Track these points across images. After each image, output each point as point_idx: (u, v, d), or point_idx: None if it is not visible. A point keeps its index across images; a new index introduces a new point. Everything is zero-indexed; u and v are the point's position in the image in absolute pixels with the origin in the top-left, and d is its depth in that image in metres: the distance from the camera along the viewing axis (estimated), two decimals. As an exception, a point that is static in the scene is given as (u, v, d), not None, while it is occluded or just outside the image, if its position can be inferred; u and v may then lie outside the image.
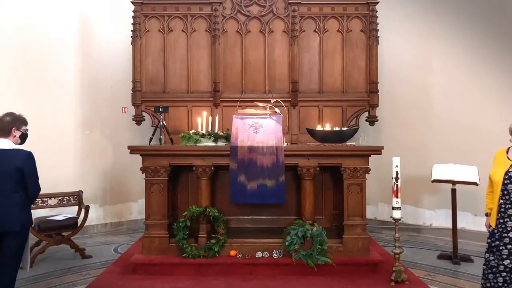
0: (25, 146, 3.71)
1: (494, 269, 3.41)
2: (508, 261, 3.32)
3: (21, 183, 3.49)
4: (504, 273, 3.34)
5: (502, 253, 3.36)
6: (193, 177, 5.12)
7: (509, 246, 3.33)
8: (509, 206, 3.34)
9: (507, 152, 3.47)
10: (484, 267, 3.50)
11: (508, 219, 3.34)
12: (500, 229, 3.39)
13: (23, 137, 3.73)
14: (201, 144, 5.08)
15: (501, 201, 3.38)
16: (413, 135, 6.78)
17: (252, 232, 5.11)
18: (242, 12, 6.60)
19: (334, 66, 6.56)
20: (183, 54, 6.56)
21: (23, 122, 3.74)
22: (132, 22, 6.48)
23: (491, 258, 3.44)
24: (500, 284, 3.35)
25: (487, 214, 3.61)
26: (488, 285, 3.46)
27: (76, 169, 6.71)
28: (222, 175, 5.28)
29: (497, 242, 3.40)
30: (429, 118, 6.69)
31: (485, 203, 3.64)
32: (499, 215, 3.39)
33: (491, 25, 6.23)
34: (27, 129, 3.74)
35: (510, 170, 3.35)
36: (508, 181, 3.33)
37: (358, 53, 6.55)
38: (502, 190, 3.36)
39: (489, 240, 3.48)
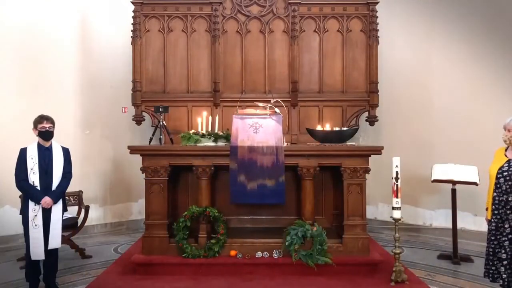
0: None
1: (493, 258, 3.69)
2: (508, 248, 3.58)
3: None
4: (506, 262, 3.59)
5: (500, 241, 3.64)
6: (193, 177, 5.11)
7: (505, 233, 3.60)
8: (502, 198, 3.62)
9: (506, 150, 3.75)
10: (486, 257, 3.77)
11: (501, 210, 3.63)
12: (496, 220, 3.67)
13: (42, 134, 4.21)
14: (201, 144, 5.08)
15: (495, 194, 3.68)
16: (413, 134, 6.78)
17: (252, 232, 5.11)
18: (242, 12, 6.60)
19: (334, 66, 6.56)
20: (183, 54, 6.56)
21: (37, 121, 4.22)
22: (132, 22, 6.48)
23: (491, 248, 3.72)
24: (501, 272, 3.61)
25: (486, 209, 3.88)
26: (490, 274, 3.72)
27: (76, 169, 6.62)
28: (222, 175, 5.28)
29: (494, 232, 3.69)
30: (429, 118, 6.69)
31: (486, 198, 3.90)
32: (494, 206, 3.69)
33: (491, 23, 6.23)
34: (43, 127, 4.18)
35: (504, 165, 3.65)
36: (501, 175, 3.63)
37: (358, 53, 6.55)
38: (495, 184, 3.66)
39: (488, 231, 3.76)
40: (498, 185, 3.65)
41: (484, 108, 6.21)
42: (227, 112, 6.33)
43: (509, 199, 3.57)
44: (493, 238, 3.71)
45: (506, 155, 3.71)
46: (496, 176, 3.66)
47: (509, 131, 3.66)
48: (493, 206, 3.69)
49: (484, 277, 3.83)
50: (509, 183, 3.57)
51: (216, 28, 6.48)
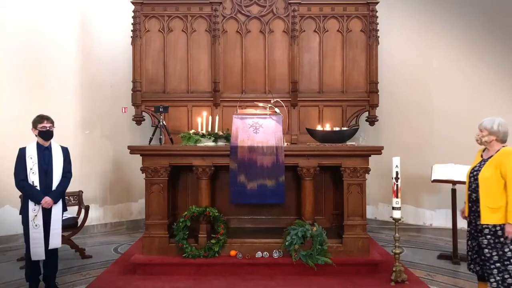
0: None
1: (473, 251, 3.81)
2: (481, 243, 3.67)
3: None
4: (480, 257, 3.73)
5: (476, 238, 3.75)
6: (193, 177, 5.11)
7: (478, 230, 3.72)
8: (472, 197, 3.75)
9: (483, 150, 3.85)
10: (469, 253, 3.88)
11: (474, 208, 3.73)
12: (472, 217, 3.78)
13: (43, 134, 4.19)
14: (201, 144, 5.08)
15: (469, 192, 3.80)
16: (413, 134, 6.78)
17: (252, 232, 5.11)
18: (242, 12, 6.60)
19: (334, 66, 6.56)
20: (183, 54, 6.56)
21: (36, 121, 4.20)
22: (132, 22, 6.48)
23: (470, 243, 3.84)
24: (482, 263, 3.73)
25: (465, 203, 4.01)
26: (472, 266, 3.85)
27: (76, 169, 6.62)
28: (222, 175, 5.28)
29: (473, 226, 3.78)
30: (429, 118, 6.69)
31: None
32: (470, 204, 3.80)
33: (492, 23, 6.23)
34: (44, 126, 4.16)
35: (476, 165, 3.78)
36: (472, 175, 3.78)
37: (358, 53, 6.55)
38: (469, 183, 3.81)
39: (468, 228, 3.87)
40: (470, 184, 3.79)
41: (484, 107, 6.19)
42: (227, 112, 6.33)
43: (478, 197, 3.69)
44: (472, 231, 3.82)
45: (482, 156, 3.82)
46: (469, 175, 3.81)
47: (481, 131, 3.77)
48: (469, 204, 3.80)
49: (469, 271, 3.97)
50: (476, 182, 3.70)
51: (216, 28, 6.48)
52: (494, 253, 3.58)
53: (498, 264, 3.57)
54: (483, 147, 3.87)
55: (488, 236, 3.61)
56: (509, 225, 3.48)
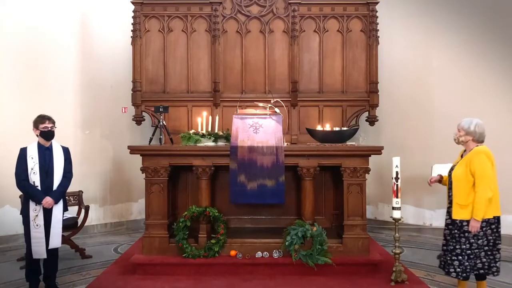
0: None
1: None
2: (446, 236, 3.90)
3: None
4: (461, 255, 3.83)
5: (445, 233, 3.95)
6: (193, 177, 5.11)
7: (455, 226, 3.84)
8: (450, 194, 3.91)
9: (464, 151, 3.95)
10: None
11: (450, 205, 3.88)
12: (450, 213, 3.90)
13: (44, 134, 4.17)
14: (201, 144, 5.08)
15: (448, 190, 3.93)
16: (413, 135, 6.78)
17: (252, 232, 5.11)
18: (242, 12, 6.60)
19: (334, 66, 6.56)
20: (183, 54, 6.56)
21: (38, 121, 4.18)
22: (132, 22, 6.49)
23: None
24: (444, 254, 3.93)
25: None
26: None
27: (76, 169, 6.64)
28: (222, 175, 5.28)
29: (451, 226, 3.88)
30: (429, 118, 6.68)
31: None
32: (449, 199, 3.92)
33: (492, 24, 6.23)
34: (45, 127, 4.15)
35: (454, 165, 3.96)
36: (450, 174, 3.94)
37: (358, 53, 6.55)
38: (448, 182, 3.95)
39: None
40: (448, 183, 3.93)
41: (484, 107, 6.19)
42: (227, 112, 6.33)
43: (450, 194, 3.86)
44: (448, 232, 3.91)
45: (461, 156, 3.93)
46: (448, 174, 3.96)
47: (459, 131, 3.87)
48: (448, 200, 3.93)
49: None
50: (451, 180, 3.86)
51: (216, 28, 6.48)
52: (457, 246, 3.77)
53: (460, 257, 3.75)
54: (463, 148, 3.97)
55: (455, 230, 3.78)
56: (474, 220, 3.65)
